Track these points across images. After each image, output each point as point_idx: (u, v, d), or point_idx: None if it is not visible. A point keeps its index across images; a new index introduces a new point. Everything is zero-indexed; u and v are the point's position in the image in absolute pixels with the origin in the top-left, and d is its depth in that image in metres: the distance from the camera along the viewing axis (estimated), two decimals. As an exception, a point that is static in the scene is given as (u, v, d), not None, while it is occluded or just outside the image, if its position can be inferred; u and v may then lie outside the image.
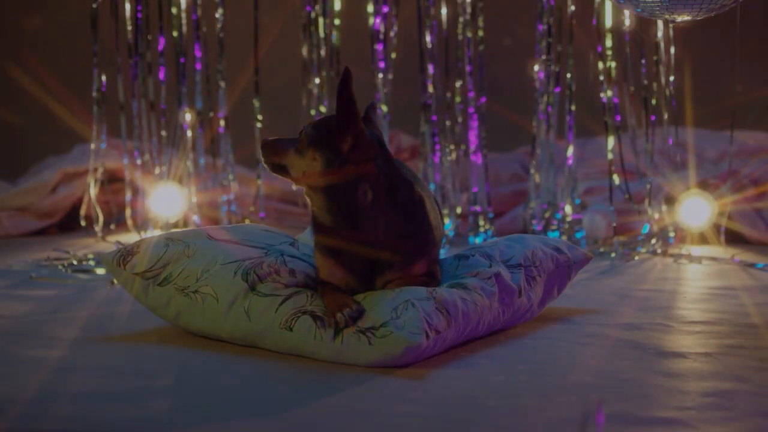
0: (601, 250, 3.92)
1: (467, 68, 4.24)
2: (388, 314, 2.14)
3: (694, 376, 2.09)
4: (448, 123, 4.28)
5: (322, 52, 4.27)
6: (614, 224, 3.96)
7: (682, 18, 3.00)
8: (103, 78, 4.19)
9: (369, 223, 2.25)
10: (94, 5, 4.19)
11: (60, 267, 3.46)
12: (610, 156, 4.00)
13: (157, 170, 4.26)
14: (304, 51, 4.29)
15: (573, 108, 4.12)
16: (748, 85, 4.07)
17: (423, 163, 4.27)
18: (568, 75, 4.12)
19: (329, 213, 2.27)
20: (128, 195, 4.29)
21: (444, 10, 4.25)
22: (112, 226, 4.47)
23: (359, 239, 2.26)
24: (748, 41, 4.77)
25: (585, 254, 2.70)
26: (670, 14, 2.99)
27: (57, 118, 5.19)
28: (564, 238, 4.05)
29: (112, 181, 4.61)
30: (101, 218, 4.25)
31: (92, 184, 4.23)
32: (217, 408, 1.87)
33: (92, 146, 4.24)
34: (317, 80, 4.28)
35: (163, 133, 4.26)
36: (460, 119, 4.29)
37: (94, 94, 4.19)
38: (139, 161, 4.28)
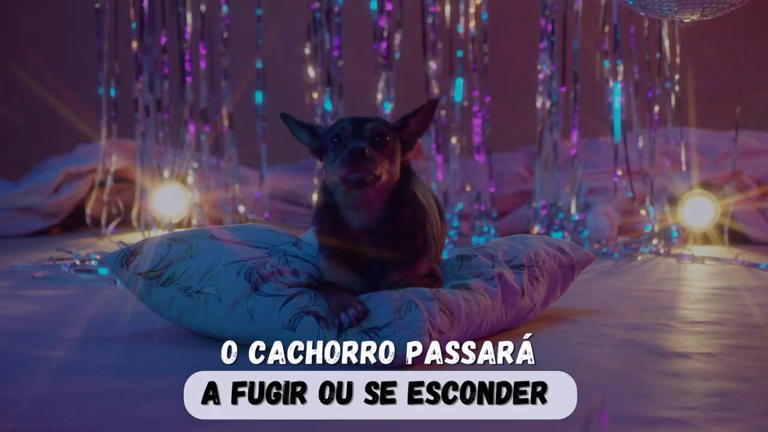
0: (604, 250, 3.91)
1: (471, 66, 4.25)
2: (392, 315, 2.14)
3: (697, 376, 2.09)
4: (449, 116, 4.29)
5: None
6: (619, 223, 3.96)
7: (689, 19, 3.00)
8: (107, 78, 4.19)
9: (401, 223, 2.26)
10: (97, 5, 4.19)
11: (63, 267, 3.46)
12: (614, 156, 4.00)
13: (164, 172, 4.26)
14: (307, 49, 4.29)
15: (577, 107, 4.12)
16: (751, 86, 4.07)
17: (426, 162, 4.27)
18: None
19: (373, 212, 2.24)
20: (135, 194, 4.29)
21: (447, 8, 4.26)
22: (113, 224, 4.47)
23: (372, 241, 2.26)
24: (752, 41, 4.77)
25: (588, 254, 2.69)
26: (675, 15, 2.99)
27: (60, 118, 5.19)
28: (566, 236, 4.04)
29: (116, 180, 4.60)
30: (105, 217, 4.26)
31: (95, 184, 4.23)
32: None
33: (101, 144, 4.24)
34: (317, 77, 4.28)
35: (161, 132, 4.26)
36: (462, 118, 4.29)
37: (101, 92, 4.19)
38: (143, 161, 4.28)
